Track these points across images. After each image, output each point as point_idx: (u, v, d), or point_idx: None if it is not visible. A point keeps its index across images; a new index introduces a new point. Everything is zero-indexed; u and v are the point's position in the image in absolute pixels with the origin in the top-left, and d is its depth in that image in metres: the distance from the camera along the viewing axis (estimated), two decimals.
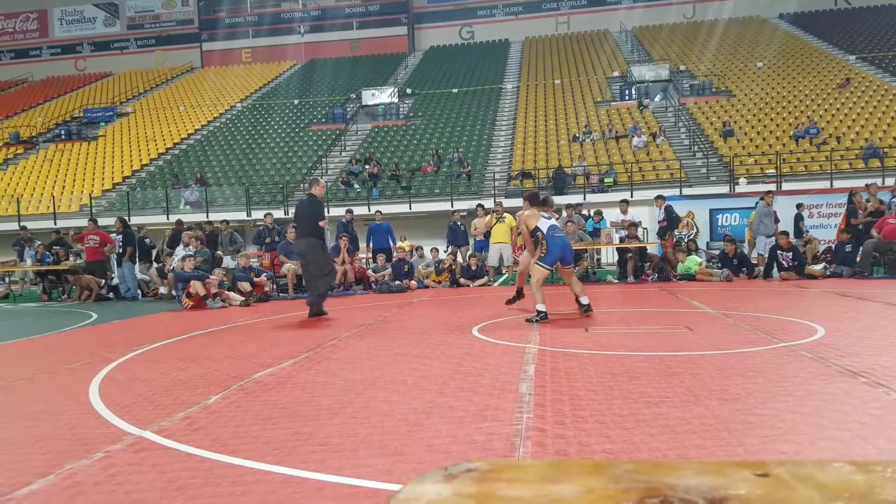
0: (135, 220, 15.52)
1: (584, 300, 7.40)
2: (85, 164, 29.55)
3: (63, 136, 32.88)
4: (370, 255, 14.75)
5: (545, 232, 7.47)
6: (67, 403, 4.04)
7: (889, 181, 16.53)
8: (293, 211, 16.35)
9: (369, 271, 13.40)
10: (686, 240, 14.35)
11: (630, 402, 3.52)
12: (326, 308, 8.72)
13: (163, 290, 13.00)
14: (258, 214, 21.79)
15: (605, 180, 22.11)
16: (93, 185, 27.31)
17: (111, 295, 13.61)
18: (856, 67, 30.83)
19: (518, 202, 18.85)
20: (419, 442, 2.96)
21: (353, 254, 13.85)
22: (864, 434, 2.85)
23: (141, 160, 29.67)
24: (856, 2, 41.53)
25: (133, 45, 48.47)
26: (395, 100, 33.18)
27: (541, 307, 7.15)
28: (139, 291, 13.62)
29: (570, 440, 2.90)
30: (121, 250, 13.46)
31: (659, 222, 13.73)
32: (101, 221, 15.97)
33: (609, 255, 17.35)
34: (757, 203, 13.40)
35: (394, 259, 13.43)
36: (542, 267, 7.39)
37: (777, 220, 13.28)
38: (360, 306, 9.94)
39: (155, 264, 14.05)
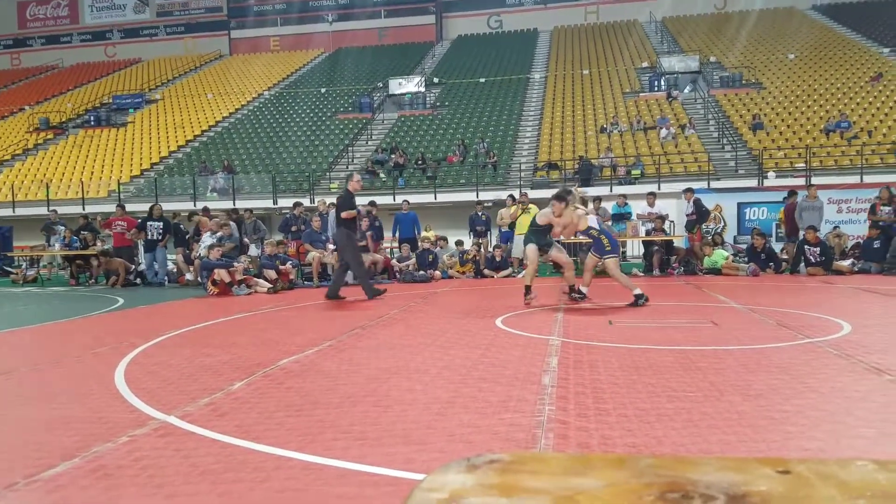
0: (164, 207, 15.67)
1: (584, 289, 8.25)
2: (114, 150, 29.98)
3: (92, 123, 33.37)
4: (396, 244, 14.81)
5: (598, 228, 8.19)
6: (93, 387, 4.12)
7: None
8: (319, 200, 16.46)
9: (394, 261, 13.45)
10: (713, 233, 14.15)
11: (653, 395, 3.50)
12: (344, 294, 9.37)
13: (189, 276, 13.18)
14: (284, 202, 21.96)
15: (633, 172, 21.89)
16: (121, 171, 27.70)
17: (138, 280, 13.82)
18: (890, 60, 30.08)
19: (543, 192, 18.79)
20: (441, 432, 2.98)
21: (378, 242, 13.91)
22: (891, 432, 2.81)
23: (169, 147, 30.02)
24: None
25: (162, 32, 48.94)
26: (422, 89, 33.11)
27: (637, 291, 7.74)
28: (166, 278, 13.82)
29: (593, 433, 2.90)
30: (159, 237, 13.64)
31: (687, 215, 13.58)
32: (129, 207, 16.20)
33: (635, 248, 17.20)
34: (783, 198, 13.11)
35: (419, 249, 13.46)
36: (613, 258, 8.06)
37: (821, 217, 12.96)
38: (385, 295, 9.98)
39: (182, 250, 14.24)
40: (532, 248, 8.10)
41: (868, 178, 18.69)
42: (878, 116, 24.14)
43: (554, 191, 8.46)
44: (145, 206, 15.67)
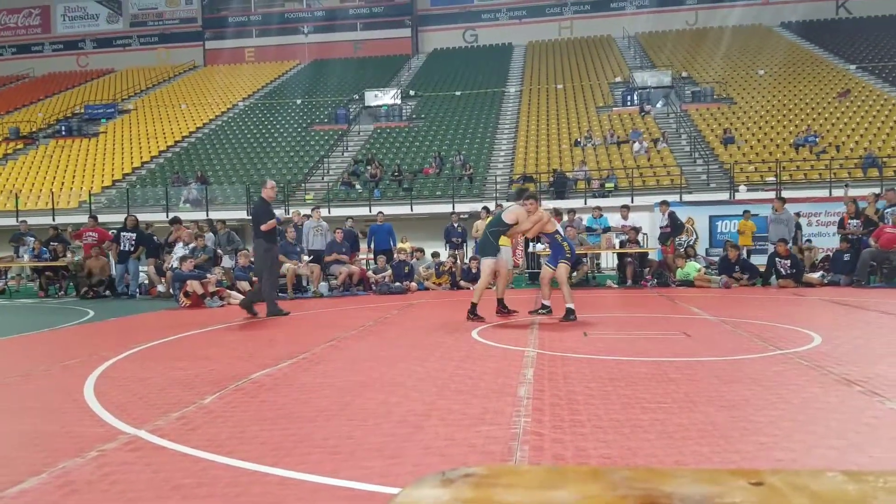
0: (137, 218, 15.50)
1: (547, 302, 7.96)
2: (85, 160, 29.55)
3: (63, 133, 32.87)
4: (371, 256, 14.77)
5: (562, 235, 7.98)
6: (62, 401, 4.03)
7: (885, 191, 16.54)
8: (294, 211, 16.38)
9: (369, 272, 13.40)
10: (685, 245, 14.35)
11: (627, 407, 3.52)
12: (261, 309, 8.87)
13: (161, 288, 12.99)
14: None
15: (606, 185, 22.13)
16: (92, 181, 27.30)
17: (108, 292, 13.60)
18: (856, 77, 30.88)
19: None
20: (417, 445, 2.96)
21: (353, 254, 13.86)
22: (860, 443, 2.86)
23: (142, 157, 29.68)
24: (857, 11, 41.57)
25: (136, 43, 48.48)
26: (398, 101, 33.20)
27: (571, 306, 7.50)
28: (137, 289, 13.63)
29: (568, 445, 2.90)
30: (131, 248, 13.46)
31: (662, 228, 13.74)
32: (101, 218, 15.96)
33: (609, 260, 17.36)
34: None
35: (394, 260, 13.43)
36: (565, 263, 7.76)
37: (798, 228, 13.19)
38: (360, 307, 9.94)
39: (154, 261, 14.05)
40: (490, 262, 7.75)
41: (836, 192, 19.10)
42: (846, 131, 24.73)
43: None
44: (117, 218, 15.49)
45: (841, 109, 26.79)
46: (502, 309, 7.94)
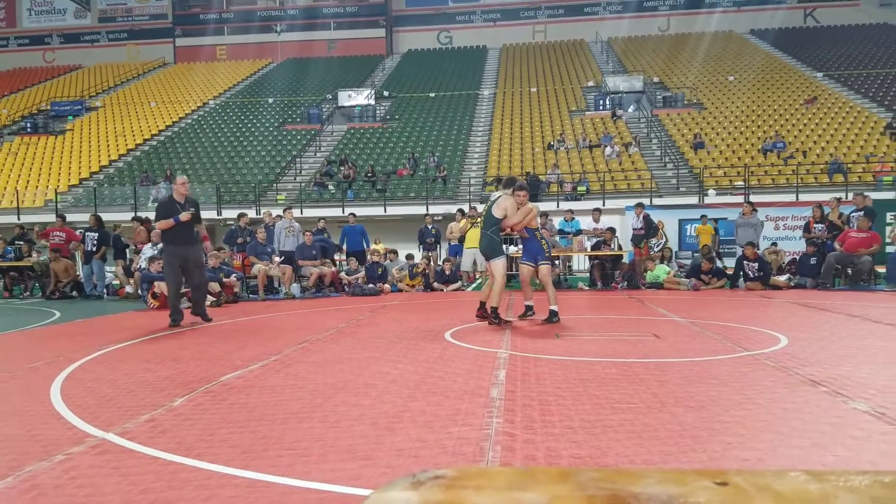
0: (102, 217, 15.23)
1: (530, 303, 7.89)
2: (51, 158, 28.97)
3: (29, 130, 32.20)
4: (343, 257, 14.70)
5: (541, 232, 7.87)
6: (28, 404, 3.95)
7: (852, 196, 16.95)
8: (265, 211, 16.20)
9: (342, 274, 13.34)
10: (657, 248, 14.55)
11: (598, 407, 3.55)
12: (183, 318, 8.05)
13: (129, 289, 12.79)
14: (229, 214, 21.57)
15: (579, 188, 22.33)
16: (59, 179, 26.77)
17: (74, 293, 13.35)
18: (823, 84, 31.58)
19: None
20: (389, 447, 2.95)
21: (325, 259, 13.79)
22: (824, 442, 2.92)
23: (109, 156, 29.18)
24: (824, 20, 42.54)
25: (104, 39, 47.65)
26: (372, 102, 33.11)
27: (555, 308, 7.47)
28: (105, 290, 13.40)
29: (539, 445, 2.92)
30: (94, 248, 13.24)
31: (636, 230, 13.91)
32: (68, 218, 15.66)
33: (581, 262, 17.51)
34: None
35: (367, 262, 13.39)
36: (547, 264, 7.70)
37: (758, 233, 13.50)
38: (333, 309, 9.89)
39: (122, 262, 13.82)
40: (503, 263, 7.48)
41: (803, 197, 19.51)
42: (812, 138, 25.28)
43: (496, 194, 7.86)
44: (84, 217, 15.21)
45: (808, 116, 27.39)
46: (484, 313, 7.66)
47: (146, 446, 3.01)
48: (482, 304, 7.66)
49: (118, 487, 2.50)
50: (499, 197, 7.56)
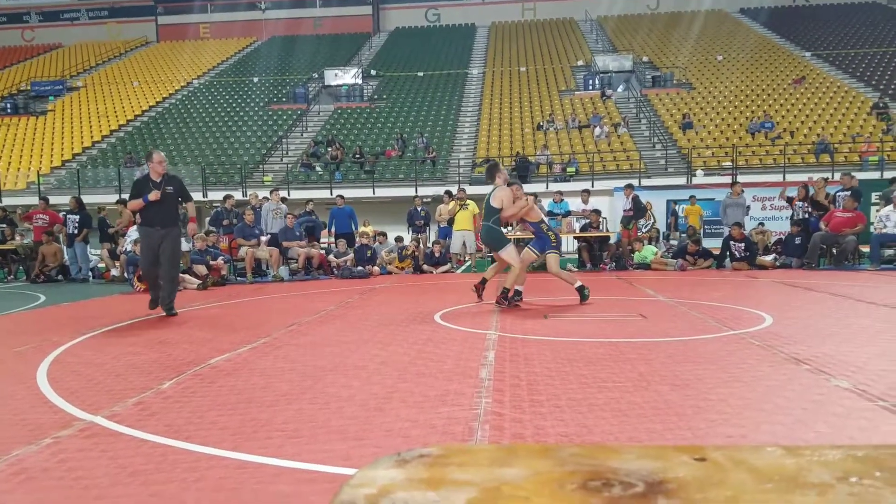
0: (85, 199, 15.12)
1: (520, 288, 7.69)
2: (32, 139, 28.60)
3: (9, 110, 31.74)
4: (332, 239, 14.67)
5: (547, 223, 7.87)
6: (15, 388, 3.94)
7: (838, 176, 17.08)
8: (251, 193, 16.11)
9: (331, 256, 13.31)
10: (646, 229, 14.63)
11: (585, 386, 3.59)
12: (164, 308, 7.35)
13: (115, 272, 12.72)
14: (214, 195, 21.44)
15: (568, 169, 22.34)
16: (41, 161, 26.46)
17: (60, 276, 13.27)
18: (811, 64, 31.65)
19: (481, 189, 18.94)
20: (379, 427, 2.98)
21: (312, 238, 13.75)
22: (806, 419, 2.97)
23: (92, 137, 28.85)
24: (814, 0, 42.58)
25: (84, 17, 46.87)
26: (359, 81, 32.84)
27: (579, 284, 7.60)
28: (90, 273, 13.32)
29: (527, 424, 2.95)
30: (76, 230, 13.14)
31: (625, 211, 13.97)
32: (51, 200, 15.51)
33: (569, 244, 17.57)
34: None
35: (356, 244, 13.37)
36: (555, 253, 7.72)
37: (747, 212, 13.65)
38: (322, 292, 9.89)
39: (108, 245, 13.74)
40: (513, 249, 7.48)
41: (790, 177, 19.63)
42: (800, 118, 25.38)
43: (490, 187, 7.88)
44: (67, 199, 15.07)
45: (795, 96, 27.46)
46: (482, 287, 7.91)
47: (135, 429, 3.02)
48: (484, 280, 7.90)
49: (107, 470, 2.51)
50: (496, 187, 7.60)
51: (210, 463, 2.57)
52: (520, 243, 9.45)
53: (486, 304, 7.60)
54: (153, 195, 7.16)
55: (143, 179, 7.48)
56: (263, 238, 12.39)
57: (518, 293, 7.72)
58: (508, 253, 7.46)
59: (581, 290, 7.54)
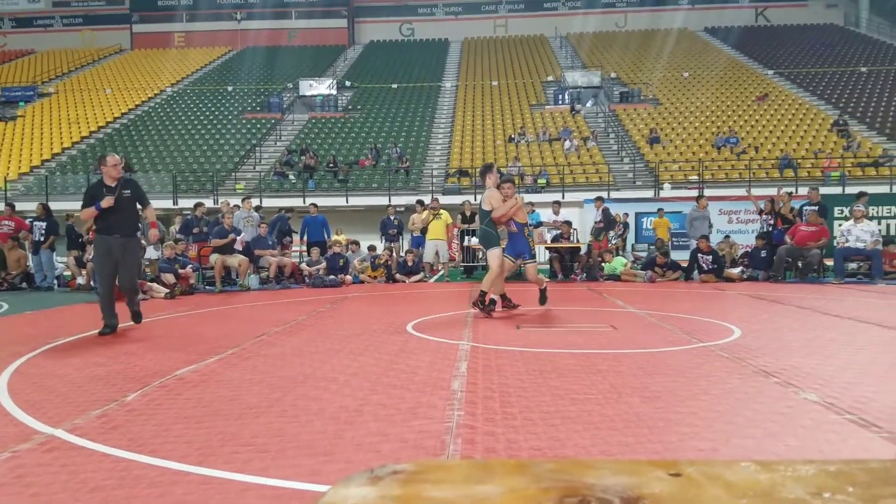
0: (54, 206, 14.82)
1: (495, 297, 7.80)
2: (1, 145, 27.98)
3: None
4: (304, 248, 14.56)
5: (529, 228, 8.06)
6: None
7: (802, 190, 17.45)
8: (223, 201, 15.90)
9: (303, 265, 13.20)
10: (615, 239, 14.79)
11: (557, 398, 3.59)
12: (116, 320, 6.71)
13: (81, 280, 12.45)
14: (185, 203, 21.15)
15: (539, 181, 22.51)
16: (9, 167, 25.88)
17: (24, 284, 12.95)
18: (773, 82, 32.42)
19: (454, 199, 18.98)
20: (349, 441, 2.94)
21: (285, 245, 13.64)
22: (775, 432, 3.00)
23: (62, 143, 28.32)
24: (774, 20, 43.74)
25: (58, 23, 46.18)
26: (334, 91, 32.78)
27: (545, 286, 7.92)
28: (55, 281, 13.03)
29: (499, 437, 2.94)
30: (42, 238, 12.86)
31: (596, 223, 14.10)
32: (18, 206, 15.16)
33: (540, 254, 17.67)
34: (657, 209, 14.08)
35: (329, 253, 13.28)
36: (534, 262, 7.96)
37: (710, 225, 13.86)
38: (293, 301, 9.79)
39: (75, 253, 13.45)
40: (497, 252, 7.55)
41: (755, 191, 19.98)
42: (764, 133, 25.94)
43: (465, 198, 8.05)
44: (34, 205, 14.76)
45: (759, 112, 28.08)
46: (507, 302, 7.95)
47: (97, 443, 2.93)
48: (483, 293, 7.85)
49: (67, 486, 2.43)
50: (486, 191, 7.73)
51: (174, 478, 2.50)
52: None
53: (459, 314, 7.60)
54: (105, 201, 6.54)
55: (97, 185, 6.85)
56: (239, 237, 12.02)
57: (493, 302, 7.70)
58: (492, 255, 7.60)
59: (543, 292, 7.89)
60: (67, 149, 28.04)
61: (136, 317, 7.01)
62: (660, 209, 16.32)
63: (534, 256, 7.97)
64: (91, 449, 2.86)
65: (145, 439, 2.97)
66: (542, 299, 7.91)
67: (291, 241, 14.24)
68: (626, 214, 17.61)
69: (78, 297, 11.08)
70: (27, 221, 13.67)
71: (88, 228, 11.99)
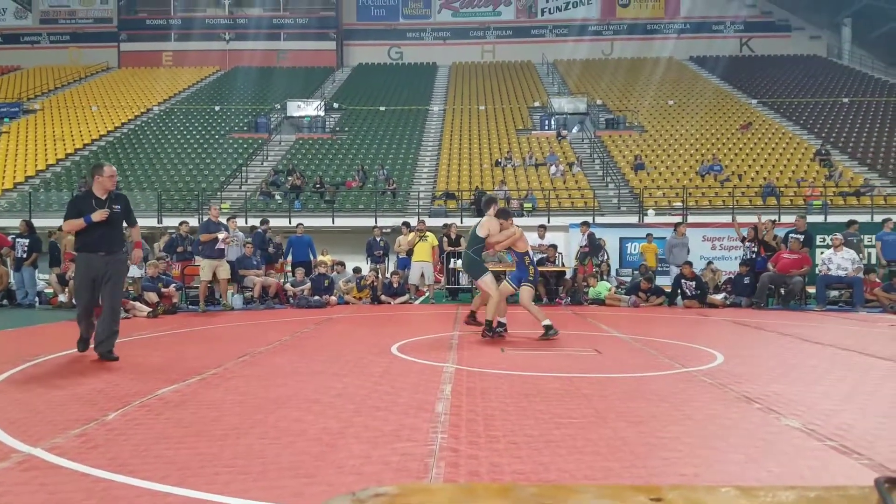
0: (37, 223, 14.67)
1: (503, 320, 7.68)
2: None
3: None
4: (289, 268, 14.47)
5: (531, 256, 7.90)
6: None
7: (785, 218, 17.65)
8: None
9: (287, 285, 13.13)
10: (600, 262, 14.84)
11: (541, 422, 3.58)
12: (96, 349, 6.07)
13: (62, 297, 12.30)
14: (170, 221, 21.00)
15: (525, 205, 22.62)
16: None
17: (5, 301, 12.78)
18: (757, 111, 32.94)
19: (440, 221, 19.00)
20: (331, 463, 2.91)
21: (271, 266, 13.55)
22: (757, 458, 3.02)
23: (47, 160, 28.10)
24: (759, 50, 44.54)
25: (45, 40, 46.04)
26: (322, 113, 32.85)
27: (547, 322, 7.37)
28: (36, 299, 12.86)
29: (483, 461, 2.93)
30: (24, 254, 12.72)
31: (581, 247, 14.17)
32: (1, 223, 15.00)
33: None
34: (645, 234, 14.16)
35: (314, 273, 13.22)
36: (529, 286, 7.67)
37: (688, 251, 13.98)
38: (277, 321, 9.72)
39: (57, 270, 13.30)
40: (490, 278, 7.57)
41: (739, 219, 20.19)
42: (748, 161, 26.29)
43: (451, 220, 8.04)
44: (17, 222, 14.61)
45: (743, 141, 28.49)
46: (471, 320, 7.98)
47: (76, 462, 2.89)
48: (472, 313, 7.98)
49: None
50: (483, 218, 7.77)
51: (153, 499, 2.47)
52: (499, 275, 9.45)
53: (444, 336, 7.58)
54: (98, 214, 5.91)
55: (85, 196, 6.26)
56: (222, 235, 11.69)
57: (501, 324, 7.65)
58: (486, 282, 7.59)
59: (548, 328, 7.35)
60: (52, 166, 27.82)
61: (108, 353, 5.93)
62: (648, 234, 16.43)
63: (531, 281, 7.77)
64: (70, 468, 2.82)
65: (125, 459, 2.93)
66: (546, 334, 7.39)
67: (277, 254, 13.97)
68: (602, 239, 17.70)
69: (60, 314, 10.93)
70: (10, 238, 13.51)
71: (72, 245, 11.86)
